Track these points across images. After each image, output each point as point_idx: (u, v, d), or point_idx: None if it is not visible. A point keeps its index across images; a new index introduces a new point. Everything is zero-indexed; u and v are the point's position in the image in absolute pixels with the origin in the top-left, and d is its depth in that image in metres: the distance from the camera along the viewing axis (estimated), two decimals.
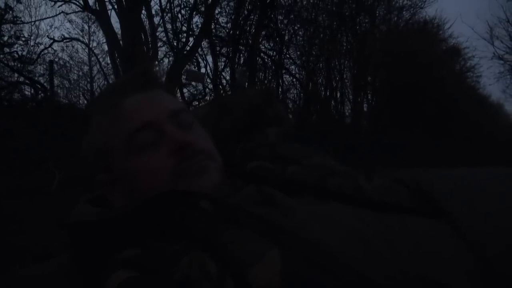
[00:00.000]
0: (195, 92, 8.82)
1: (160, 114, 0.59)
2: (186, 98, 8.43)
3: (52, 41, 8.93)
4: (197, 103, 8.67)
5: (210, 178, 0.58)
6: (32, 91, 6.39)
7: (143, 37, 6.80)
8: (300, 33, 9.86)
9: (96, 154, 0.61)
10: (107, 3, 6.75)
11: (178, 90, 7.79)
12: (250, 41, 8.44)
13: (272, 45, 9.20)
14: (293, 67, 10.09)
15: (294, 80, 10.03)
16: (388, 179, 0.65)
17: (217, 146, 0.64)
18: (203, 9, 7.83)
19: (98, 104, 0.63)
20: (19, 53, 6.94)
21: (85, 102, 11.44)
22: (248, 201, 0.56)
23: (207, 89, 8.18)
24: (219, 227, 0.48)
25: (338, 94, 10.61)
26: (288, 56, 9.81)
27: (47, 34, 11.54)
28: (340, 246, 0.47)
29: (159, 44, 8.56)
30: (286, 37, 9.39)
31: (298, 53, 10.04)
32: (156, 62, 7.30)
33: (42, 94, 6.28)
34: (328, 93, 10.29)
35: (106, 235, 0.53)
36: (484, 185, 0.61)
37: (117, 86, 0.63)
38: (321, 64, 10.13)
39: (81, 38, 12.06)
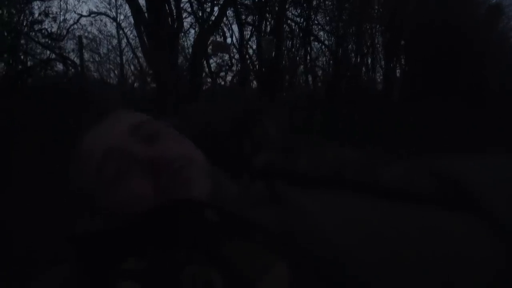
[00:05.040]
0: (222, 63, 8.76)
1: (119, 135, 0.55)
2: (213, 70, 8.40)
3: (79, 16, 9.03)
4: (224, 73, 8.62)
5: (199, 188, 0.54)
6: (63, 68, 6.53)
7: (167, 8, 6.73)
8: None
9: (78, 199, 0.59)
10: None
11: (204, 62, 7.75)
12: (277, 8, 8.18)
13: (299, 11, 8.91)
14: (321, 33, 9.79)
15: (323, 47, 9.74)
16: (412, 166, 0.59)
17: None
18: None
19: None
20: (49, 30, 7.06)
21: (116, 75, 11.68)
22: (256, 201, 0.52)
23: (233, 60, 8.09)
24: (224, 239, 0.45)
25: (369, 61, 10.26)
26: (316, 22, 9.49)
27: (74, 9, 11.64)
28: (357, 249, 0.43)
29: (184, 15, 8.47)
30: (314, 2, 9.04)
31: (327, 18, 9.69)
32: (182, 34, 7.26)
33: (72, 70, 6.40)
34: (358, 60, 9.95)
35: (110, 245, 0.51)
36: None
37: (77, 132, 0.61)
38: (351, 30, 9.75)
39: (108, 12, 12.13)
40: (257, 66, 8.20)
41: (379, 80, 10.39)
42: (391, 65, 10.25)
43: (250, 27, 8.51)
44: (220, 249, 0.44)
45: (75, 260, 0.54)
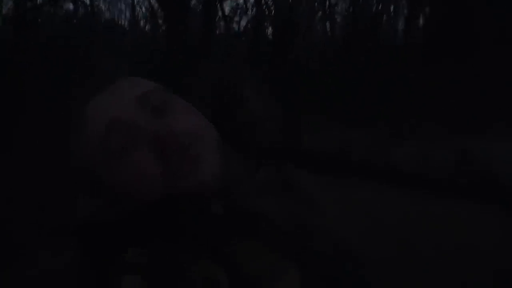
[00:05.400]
0: (237, 7, 8.41)
1: (126, 105, 0.50)
2: (227, 14, 8.09)
3: None
4: (238, 19, 8.31)
5: (207, 168, 0.51)
6: (73, 7, 6.38)
7: None
8: None
9: (80, 177, 0.55)
10: None
11: (218, 5, 7.44)
12: None
13: None
14: None
15: None
16: (428, 146, 0.53)
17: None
18: None
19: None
20: None
21: (127, 17, 11.36)
22: (265, 187, 0.49)
23: (248, 3, 7.74)
24: (230, 235, 0.43)
25: (392, 8, 9.74)
26: None
27: None
28: (368, 246, 0.41)
29: None
30: None
31: None
32: None
33: (82, 10, 6.25)
34: (380, 7, 9.45)
35: (111, 235, 0.50)
36: None
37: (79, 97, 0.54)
38: None
39: None
40: (272, 12, 7.86)
41: (401, 30, 9.93)
42: (415, 13, 9.73)
43: None
44: (226, 247, 0.42)
45: (76, 246, 0.54)
